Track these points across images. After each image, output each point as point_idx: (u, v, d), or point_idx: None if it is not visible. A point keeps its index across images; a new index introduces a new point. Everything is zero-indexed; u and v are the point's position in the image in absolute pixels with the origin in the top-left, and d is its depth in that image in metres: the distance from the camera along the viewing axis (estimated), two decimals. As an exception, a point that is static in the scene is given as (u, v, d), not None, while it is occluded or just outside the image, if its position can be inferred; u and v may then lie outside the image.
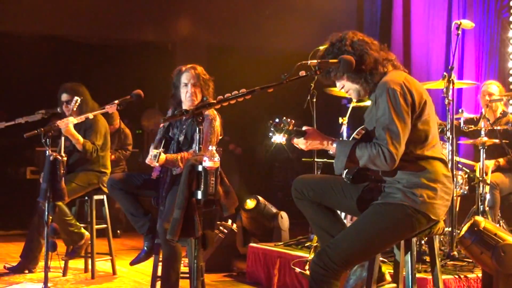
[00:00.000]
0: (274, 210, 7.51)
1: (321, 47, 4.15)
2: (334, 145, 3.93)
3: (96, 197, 6.88)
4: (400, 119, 3.77)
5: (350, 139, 4.06)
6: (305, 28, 11.57)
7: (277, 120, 3.89)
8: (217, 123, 5.52)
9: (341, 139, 3.99)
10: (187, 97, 5.64)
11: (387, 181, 3.91)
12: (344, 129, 6.75)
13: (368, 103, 6.93)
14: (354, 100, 4.22)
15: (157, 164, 5.36)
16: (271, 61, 10.78)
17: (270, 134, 3.90)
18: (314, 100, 6.69)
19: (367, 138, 3.95)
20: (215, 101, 3.91)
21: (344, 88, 4.10)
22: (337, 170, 3.94)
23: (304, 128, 4.02)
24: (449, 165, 4.07)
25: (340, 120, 6.79)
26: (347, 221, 6.25)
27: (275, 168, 14.14)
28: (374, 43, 4.05)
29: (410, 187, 3.83)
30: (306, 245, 6.60)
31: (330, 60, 3.96)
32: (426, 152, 3.90)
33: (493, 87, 7.46)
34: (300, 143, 4.00)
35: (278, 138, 3.90)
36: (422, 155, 3.88)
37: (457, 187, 6.36)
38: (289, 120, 3.90)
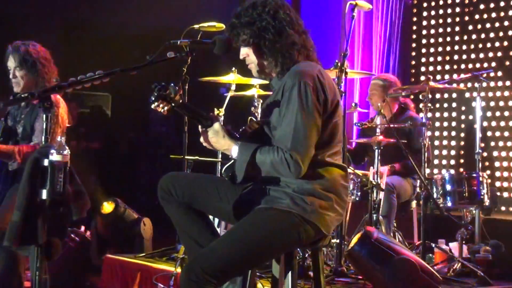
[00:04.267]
0: (135, 215, 7.51)
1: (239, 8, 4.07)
2: (235, 148, 3.93)
3: None
4: (309, 119, 3.79)
5: (240, 131, 4.08)
6: (178, 3, 11.56)
7: (163, 84, 3.82)
8: (62, 110, 5.39)
9: (241, 142, 3.96)
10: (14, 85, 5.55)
11: (274, 183, 3.91)
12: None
13: (250, 92, 7.09)
14: (255, 75, 4.19)
15: None
16: (139, 39, 10.72)
17: (152, 98, 3.82)
18: (186, 87, 6.66)
19: (261, 133, 3.99)
20: (66, 84, 3.84)
21: (247, 59, 4.11)
22: (238, 178, 3.91)
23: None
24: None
25: (216, 111, 6.79)
26: (221, 230, 6.30)
27: (140, 167, 14.07)
28: (299, 23, 4.07)
29: (301, 193, 3.85)
30: (171, 256, 6.62)
31: (204, 40, 4.00)
32: (326, 158, 3.94)
33: (377, 81, 7.60)
34: (210, 135, 3.99)
35: (160, 106, 3.84)
36: (321, 161, 3.92)
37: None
38: (177, 88, 3.85)
